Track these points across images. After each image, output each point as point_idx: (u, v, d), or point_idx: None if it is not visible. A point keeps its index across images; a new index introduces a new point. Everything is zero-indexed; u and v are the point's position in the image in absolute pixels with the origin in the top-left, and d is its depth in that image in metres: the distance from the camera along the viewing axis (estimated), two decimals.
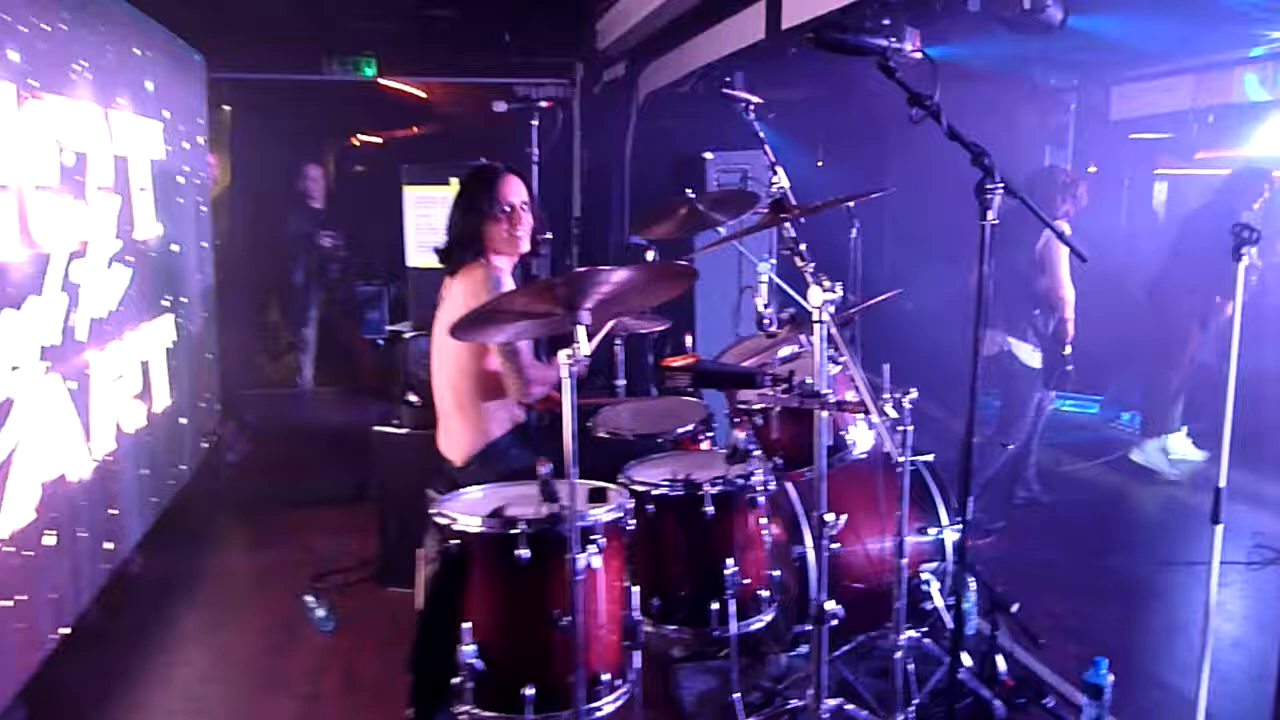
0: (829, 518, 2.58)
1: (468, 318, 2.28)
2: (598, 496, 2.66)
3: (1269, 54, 6.42)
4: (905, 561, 3.03)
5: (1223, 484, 2.85)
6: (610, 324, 3.11)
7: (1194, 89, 6.87)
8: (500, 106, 4.69)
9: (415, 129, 10.11)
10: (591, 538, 2.49)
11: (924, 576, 3.36)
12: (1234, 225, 2.71)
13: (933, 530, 3.42)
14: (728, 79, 6.17)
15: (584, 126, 7.95)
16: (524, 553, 2.44)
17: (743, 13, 5.27)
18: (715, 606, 2.89)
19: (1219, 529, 2.82)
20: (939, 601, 3.34)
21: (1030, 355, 4.98)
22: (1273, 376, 6.53)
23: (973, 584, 3.41)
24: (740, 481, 2.92)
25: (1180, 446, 6.24)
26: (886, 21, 4.80)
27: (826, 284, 2.43)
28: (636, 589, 2.73)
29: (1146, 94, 7.31)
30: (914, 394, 2.71)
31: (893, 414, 2.58)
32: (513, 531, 2.44)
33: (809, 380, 2.69)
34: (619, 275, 2.15)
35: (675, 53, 6.57)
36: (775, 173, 4.05)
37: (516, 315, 2.29)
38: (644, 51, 6.97)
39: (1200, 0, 5.93)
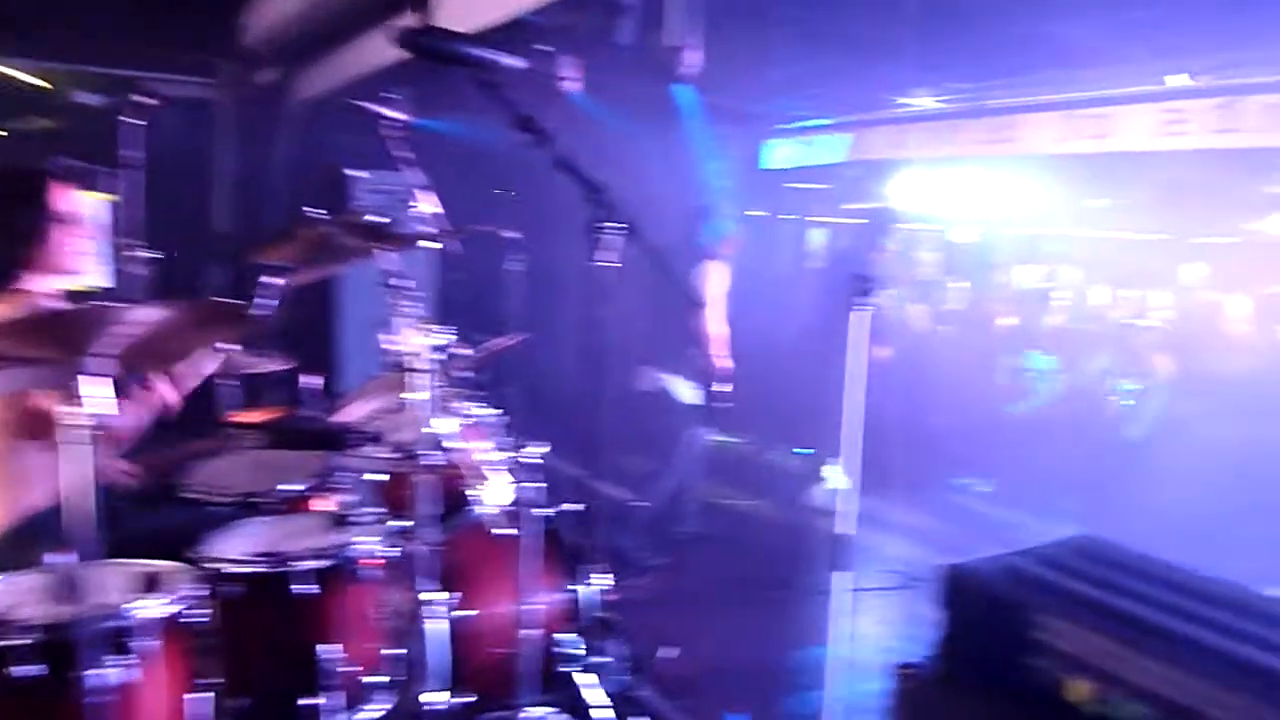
0: (433, 596, 2.24)
1: None
2: (153, 584, 2.14)
3: (902, 117, 7.09)
4: (538, 624, 2.78)
5: (850, 530, 2.86)
6: (194, 373, 2.55)
7: (839, 144, 7.44)
8: (90, 99, 3.93)
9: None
10: (132, 641, 1.97)
11: (564, 638, 3.11)
12: (853, 274, 2.75)
13: (574, 587, 3.19)
14: (390, 95, 5.76)
15: (235, 132, 7.13)
16: (29, 670, 1.87)
17: (389, 23, 4.89)
18: (313, 701, 2.45)
19: (843, 575, 2.82)
20: (579, 665, 3.11)
21: (688, 392, 5.00)
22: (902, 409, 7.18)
23: (617, 641, 3.23)
24: (344, 552, 2.50)
25: (835, 478, 6.61)
26: (548, 49, 4.66)
27: (430, 327, 2.10)
28: (209, 695, 2.23)
29: (796, 146, 7.82)
30: (545, 448, 2.46)
31: (498, 477, 2.29)
32: (10, 642, 1.86)
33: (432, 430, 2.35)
34: (140, 314, 1.69)
35: (330, 60, 6.03)
36: (418, 198, 3.70)
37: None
38: (297, 55, 6.36)
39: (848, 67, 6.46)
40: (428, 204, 3.97)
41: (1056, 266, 9.57)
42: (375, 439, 2.17)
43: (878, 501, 6.62)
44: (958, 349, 8.21)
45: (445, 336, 2.12)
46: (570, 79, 3.74)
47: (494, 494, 2.72)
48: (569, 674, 3.10)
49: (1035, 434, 6.87)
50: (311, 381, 3.10)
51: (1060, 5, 4.72)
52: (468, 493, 2.71)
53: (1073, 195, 10.62)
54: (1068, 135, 5.86)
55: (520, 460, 2.48)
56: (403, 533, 2.63)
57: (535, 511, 2.46)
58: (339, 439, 2.20)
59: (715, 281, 4.79)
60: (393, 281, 2.14)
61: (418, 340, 2.08)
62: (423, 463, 2.19)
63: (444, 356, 2.11)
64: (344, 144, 6.31)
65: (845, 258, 6.57)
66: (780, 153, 8.08)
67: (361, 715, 2.54)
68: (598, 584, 3.19)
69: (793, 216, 12.04)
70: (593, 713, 3.07)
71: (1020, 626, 1.96)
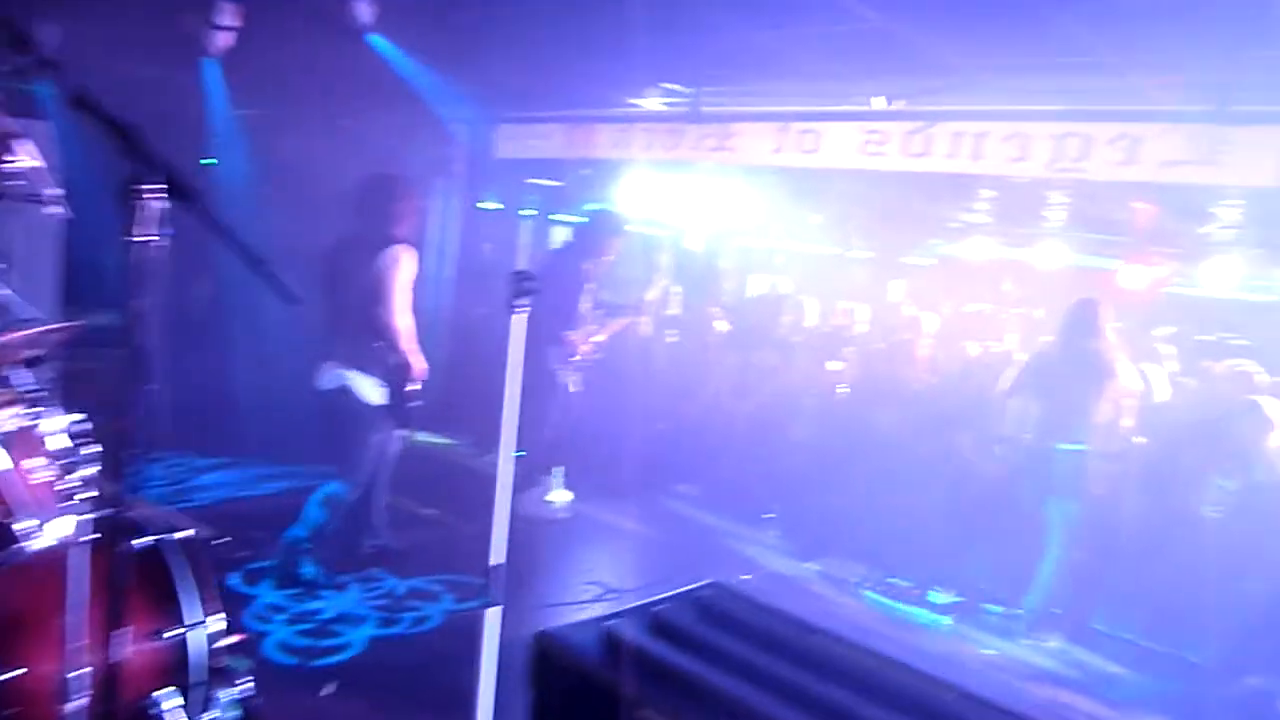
0: None
1: None
2: None
3: (625, 116, 6.94)
4: (115, 679, 2.23)
5: (495, 562, 2.54)
6: None
7: (564, 139, 7.19)
8: None
9: None
10: None
11: (158, 695, 2.57)
12: (512, 273, 2.45)
13: (175, 630, 2.65)
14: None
15: None
16: None
17: None
18: None
19: (494, 611, 2.50)
20: None
21: (372, 391, 4.52)
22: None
23: (233, 691, 2.73)
24: None
25: (556, 490, 6.31)
26: None
27: None
28: None
29: (527, 137, 7.50)
30: (95, 467, 1.93)
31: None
32: None
33: None
34: None
35: None
36: (11, 149, 3.03)
37: None
38: None
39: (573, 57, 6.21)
40: (28, 158, 3.26)
41: (776, 277, 9.92)
42: None
43: (598, 508, 6.46)
44: (681, 354, 8.24)
45: None
46: (229, 25, 3.17)
47: (53, 525, 2.15)
48: None
49: (748, 438, 6.97)
50: None
51: (770, 14, 4.71)
52: (13, 521, 2.12)
53: (792, 210, 11.11)
54: (781, 148, 5.93)
55: (85, 479, 1.94)
56: None
57: (115, 542, 1.93)
58: None
59: (402, 269, 4.34)
60: None
61: None
62: None
63: None
64: None
65: (563, 258, 6.31)
66: (513, 144, 7.72)
67: None
68: (211, 625, 2.68)
69: (532, 212, 11.79)
70: None
71: (613, 709, 1.64)
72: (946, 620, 5.22)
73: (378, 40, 4.34)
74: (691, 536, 6.19)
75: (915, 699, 1.69)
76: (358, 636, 4.18)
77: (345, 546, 4.82)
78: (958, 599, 5.37)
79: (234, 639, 2.73)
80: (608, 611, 1.87)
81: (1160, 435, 6.03)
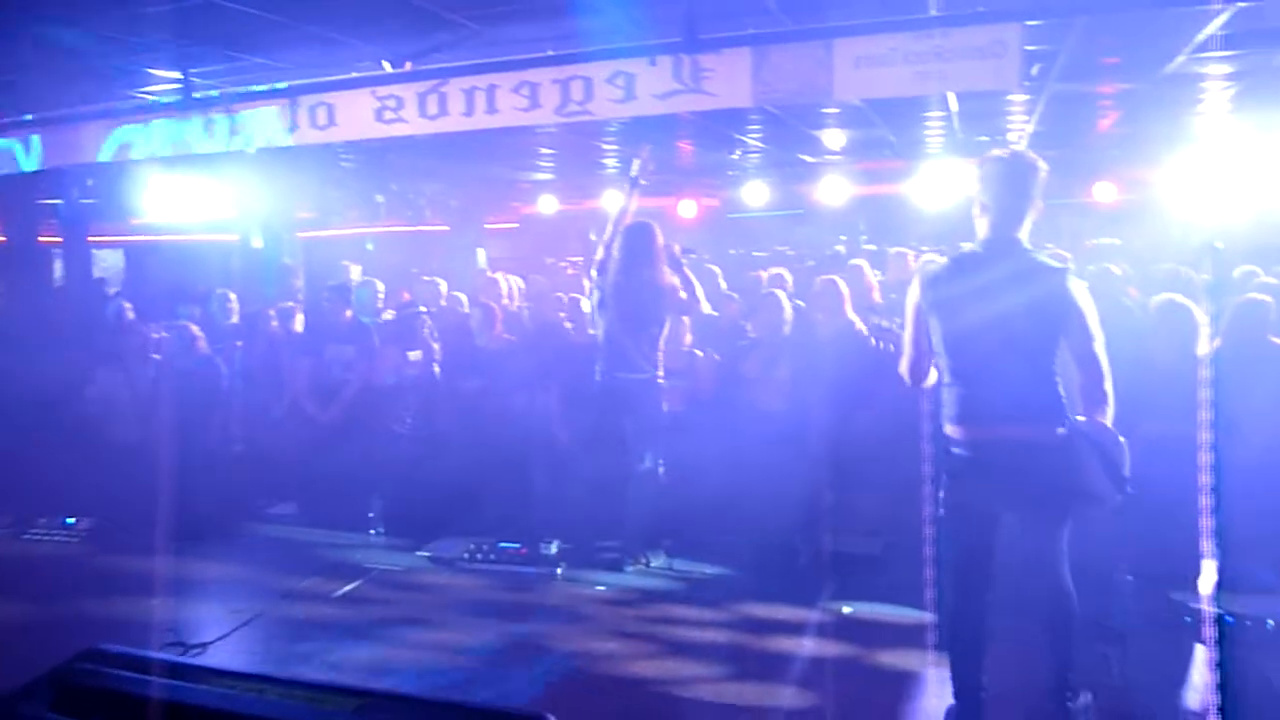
0: None
1: None
2: None
3: (109, 111, 6.08)
4: None
5: None
6: None
7: (45, 146, 6.15)
8: None
9: None
10: None
11: None
12: None
13: None
14: None
15: None
16: None
17: None
18: None
19: None
20: None
21: None
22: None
23: None
24: None
25: None
26: None
27: None
28: None
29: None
30: None
31: None
32: None
33: None
34: None
35: None
36: None
37: None
38: None
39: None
40: None
41: (349, 264, 9.44)
42: None
43: (171, 559, 5.61)
44: (250, 362, 7.53)
45: None
46: None
47: None
48: None
49: (339, 438, 6.53)
50: None
51: None
52: None
53: (353, 191, 10.66)
54: (295, 125, 5.48)
55: None
56: None
57: None
58: None
59: None
60: None
61: None
62: None
63: None
64: None
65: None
66: None
67: None
68: None
69: (56, 239, 10.14)
70: None
71: None
72: (559, 570, 5.25)
73: None
74: (283, 559, 5.66)
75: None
76: None
77: None
78: (565, 546, 5.43)
79: None
80: None
81: (721, 347, 6.51)
